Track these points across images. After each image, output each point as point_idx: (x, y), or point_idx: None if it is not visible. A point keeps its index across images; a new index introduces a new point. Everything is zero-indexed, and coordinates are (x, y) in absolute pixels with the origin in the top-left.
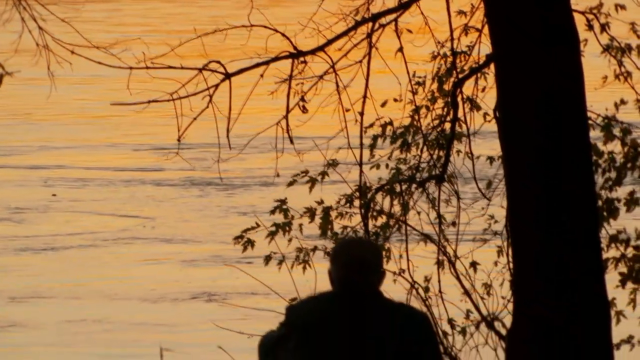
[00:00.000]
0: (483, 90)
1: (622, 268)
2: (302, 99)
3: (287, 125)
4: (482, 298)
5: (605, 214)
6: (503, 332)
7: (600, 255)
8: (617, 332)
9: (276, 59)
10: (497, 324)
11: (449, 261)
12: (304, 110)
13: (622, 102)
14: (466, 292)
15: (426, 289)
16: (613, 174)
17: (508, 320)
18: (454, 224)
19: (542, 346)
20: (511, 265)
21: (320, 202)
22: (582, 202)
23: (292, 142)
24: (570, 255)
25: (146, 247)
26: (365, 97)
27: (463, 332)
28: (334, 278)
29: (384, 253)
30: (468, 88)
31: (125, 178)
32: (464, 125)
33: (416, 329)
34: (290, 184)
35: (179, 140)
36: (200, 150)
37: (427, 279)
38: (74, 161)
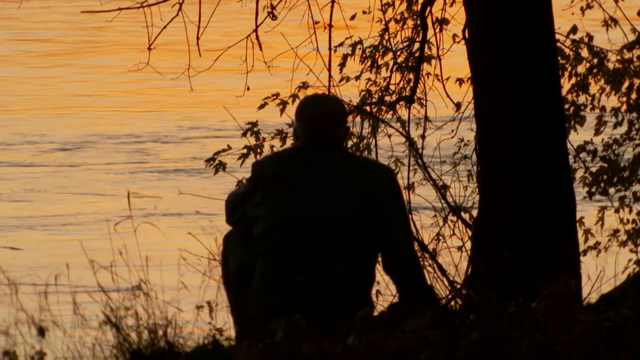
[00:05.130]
0: (452, 5)
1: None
2: (273, 7)
3: (257, 35)
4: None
5: (572, 121)
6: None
7: (567, 159)
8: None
9: None
10: (464, 215)
11: (415, 151)
12: (273, 17)
13: (589, 6)
14: (434, 183)
15: None
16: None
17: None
18: (423, 137)
19: (507, 233)
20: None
21: (292, 124)
22: (549, 110)
23: (260, 48)
24: (538, 161)
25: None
26: (333, 1)
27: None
28: (298, 133)
29: None
30: (438, 10)
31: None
32: (433, 48)
33: (381, 183)
34: (262, 106)
35: (149, 49)
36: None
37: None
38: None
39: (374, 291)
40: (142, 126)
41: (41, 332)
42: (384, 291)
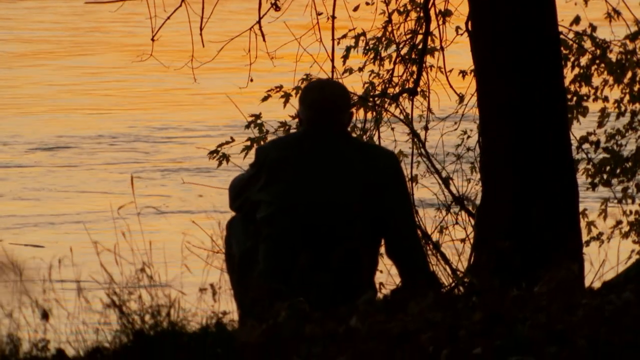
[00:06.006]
0: None
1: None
2: None
3: (260, 26)
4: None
5: (575, 111)
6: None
7: (570, 152)
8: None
9: None
10: (467, 205)
11: (419, 141)
12: (277, 8)
13: None
14: (437, 173)
15: None
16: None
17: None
18: (426, 128)
19: (510, 223)
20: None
21: (295, 117)
22: (552, 101)
23: (264, 39)
24: (540, 152)
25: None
26: None
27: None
28: (302, 118)
29: None
30: (441, 1)
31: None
32: (436, 40)
33: (384, 169)
34: (265, 99)
35: (152, 40)
36: (173, 53)
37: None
38: None
39: (377, 279)
40: (131, 126)
41: (45, 315)
42: (387, 280)
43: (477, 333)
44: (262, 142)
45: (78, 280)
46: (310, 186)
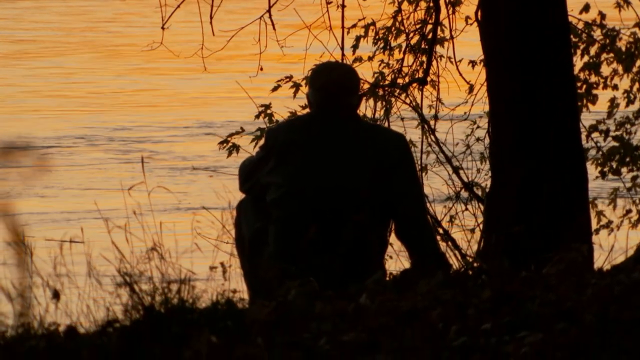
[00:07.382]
0: None
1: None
2: None
3: (270, 15)
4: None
5: (584, 100)
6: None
7: (580, 142)
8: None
9: None
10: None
11: (429, 128)
12: None
13: None
14: (447, 160)
15: None
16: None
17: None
18: (435, 117)
19: (519, 208)
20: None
21: (305, 107)
22: (561, 88)
23: (274, 28)
24: (546, 147)
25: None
26: None
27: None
28: (311, 101)
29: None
30: None
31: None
32: (446, 29)
33: (392, 150)
34: (275, 89)
35: (163, 28)
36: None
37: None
38: None
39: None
40: (134, 126)
41: (56, 294)
42: (396, 265)
43: (486, 310)
44: None
45: (89, 261)
46: (318, 170)
